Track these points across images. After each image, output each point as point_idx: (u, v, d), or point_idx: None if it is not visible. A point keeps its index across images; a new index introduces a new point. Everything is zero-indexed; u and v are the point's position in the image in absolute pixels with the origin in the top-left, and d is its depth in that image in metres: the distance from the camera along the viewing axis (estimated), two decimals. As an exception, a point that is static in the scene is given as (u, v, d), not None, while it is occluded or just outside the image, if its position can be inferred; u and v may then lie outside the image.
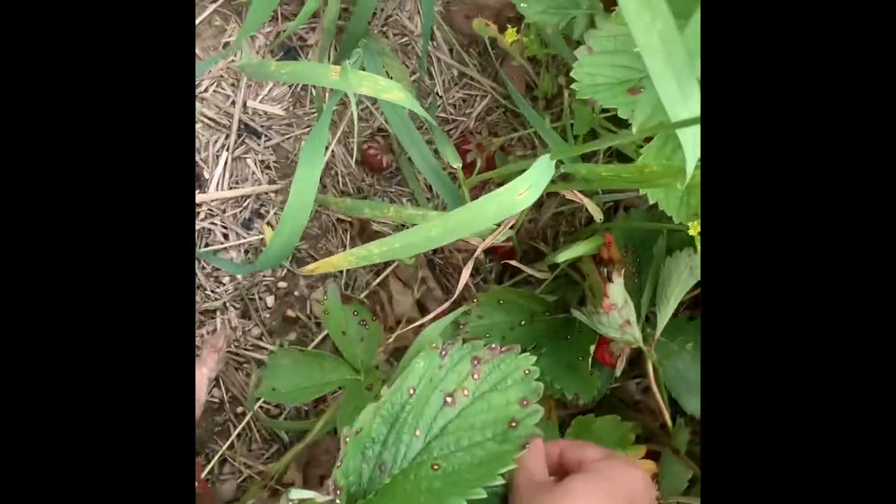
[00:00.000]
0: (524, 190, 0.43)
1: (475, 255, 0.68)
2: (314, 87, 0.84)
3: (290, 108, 0.84)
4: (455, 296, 0.69)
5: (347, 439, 0.46)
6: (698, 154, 0.39)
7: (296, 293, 0.86)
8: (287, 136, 0.84)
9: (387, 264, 0.89)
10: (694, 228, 0.53)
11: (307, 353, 0.74)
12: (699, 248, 0.55)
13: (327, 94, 0.85)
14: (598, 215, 0.74)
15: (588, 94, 0.54)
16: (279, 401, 0.76)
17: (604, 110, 0.75)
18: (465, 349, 0.51)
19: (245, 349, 0.84)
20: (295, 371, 0.70)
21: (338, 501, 0.44)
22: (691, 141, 0.37)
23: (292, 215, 0.55)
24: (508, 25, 0.78)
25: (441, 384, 0.50)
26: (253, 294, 0.84)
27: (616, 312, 0.67)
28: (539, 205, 0.89)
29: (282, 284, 0.85)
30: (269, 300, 0.85)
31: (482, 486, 0.44)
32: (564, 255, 0.76)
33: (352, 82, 0.56)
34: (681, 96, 0.33)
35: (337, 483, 0.44)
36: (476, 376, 0.50)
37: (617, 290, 0.65)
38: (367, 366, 0.75)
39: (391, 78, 0.63)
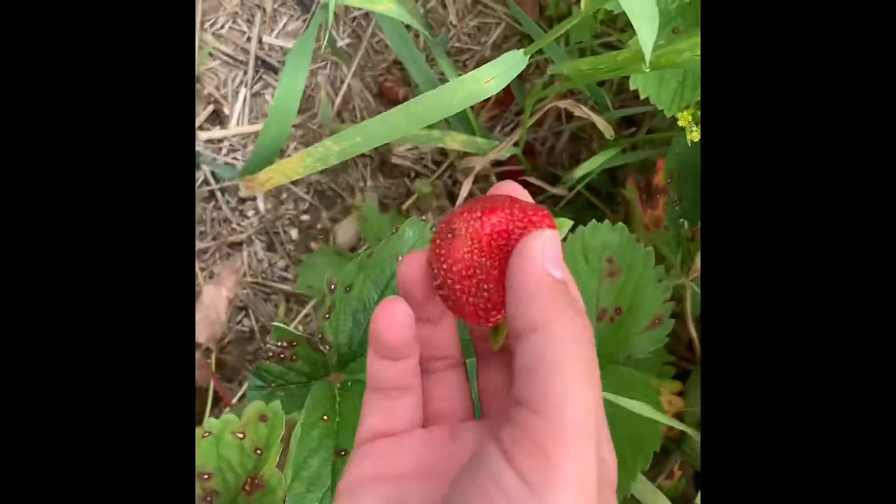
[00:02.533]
0: (490, 78, 0.43)
1: (475, 170, 0.68)
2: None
3: (305, 43, 0.86)
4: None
5: (334, 287, 0.47)
6: (654, 29, 0.38)
7: (318, 226, 0.88)
8: (303, 71, 0.86)
9: (408, 195, 0.90)
10: (683, 119, 0.52)
11: (342, 254, 0.76)
12: (691, 140, 0.54)
13: (341, 26, 0.87)
14: (608, 132, 0.73)
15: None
16: (314, 295, 0.79)
17: (602, 21, 0.73)
18: None
19: (272, 281, 0.87)
20: (330, 270, 0.72)
21: (330, 357, 0.45)
22: (642, 13, 0.36)
23: (277, 117, 0.56)
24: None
25: None
26: (277, 227, 0.87)
27: None
28: (557, 132, 0.89)
29: (304, 217, 0.88)
30: (293, 233, 0.88)
31: None
32: (582, 170, 0.76)
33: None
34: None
35: (325, 335, 0.46)
36: None
37: None
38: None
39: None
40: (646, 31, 0.38)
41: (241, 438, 0.38)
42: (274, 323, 0.47)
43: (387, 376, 0.34)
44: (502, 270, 0.30)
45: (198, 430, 0.37)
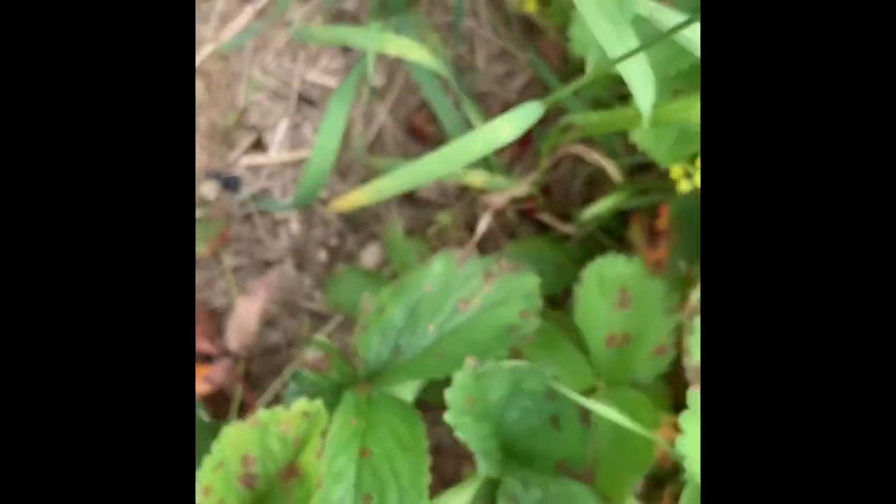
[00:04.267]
0: (508, 127, 0.50)
1: (494, 206, 0.74)
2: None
3: (343, 81, 0.93)
4: (471, 244, 0.76)
5: (369, 308, 0.54)
6: (650, 94, 0.44)
7: (345, 250, 0.94)
8: (340, 107, 0.93)
9: (429, 225, 0.97)
10: (675, 172, 0.58)
11: (371, 275, 0.82)
12: (680, 191, 0.59)
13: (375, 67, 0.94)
14: (615, 175, 0.79)
15: (581, 52, 0.59)
16: (337, 311, 0.85)
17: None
18: (479, 264, 0.58)
19: (299, 299, 0.93)
20: (357, 290, 0.77)
21: (360, 370, 0.52)
22: (637, 75, 0.42)
23: (321, 153, 0.63)
24: None
25: (457, 292, 0.58)
26: (307, 249, 0.94)
27: None
28: (574, 174, 0.95)
29: (333, 242, 0.94)
30: (322, 255, 0.94)
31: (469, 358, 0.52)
32: (593, 210, 0.81)
33: (379, 42, 0.63)
34: (615, 35, 0.39)
35: (357, 350, 0.53)
36: (487, 289, 0.57)
37: None
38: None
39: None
40: (643, 96, 0.44)
41: (285, 431, 0.44)
42: (315, 336, 0.54)
43: None
44: None
45: (248, 420, 0.43)
